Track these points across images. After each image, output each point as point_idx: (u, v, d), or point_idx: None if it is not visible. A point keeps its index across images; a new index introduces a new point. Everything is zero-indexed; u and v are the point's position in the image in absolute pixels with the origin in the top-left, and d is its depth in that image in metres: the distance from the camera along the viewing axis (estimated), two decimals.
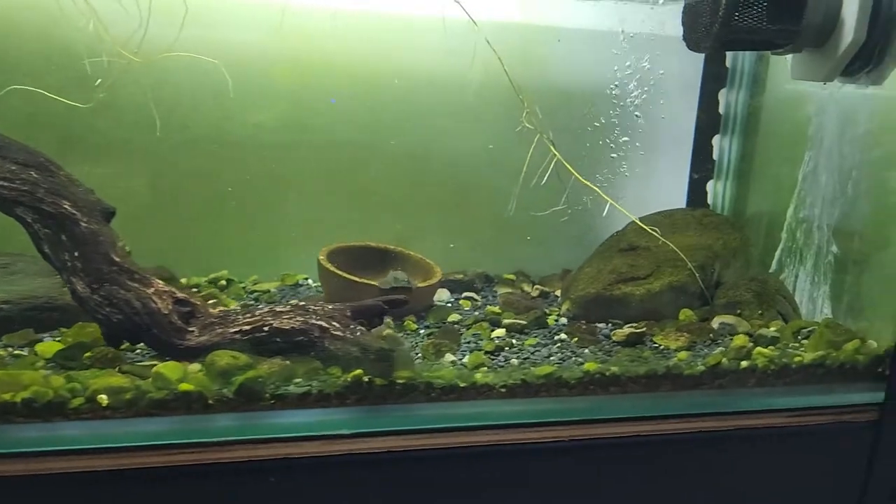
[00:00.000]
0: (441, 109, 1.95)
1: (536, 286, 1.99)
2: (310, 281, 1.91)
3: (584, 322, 1.64)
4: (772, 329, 1.54)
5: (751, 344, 1.39)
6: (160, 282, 1.21)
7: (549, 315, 1.68)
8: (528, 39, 2.00)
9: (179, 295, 1.21)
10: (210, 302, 1.68)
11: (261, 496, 1.10)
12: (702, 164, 2.08)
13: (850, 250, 1.60)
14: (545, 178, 1.79)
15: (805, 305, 1.71)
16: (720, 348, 1.43)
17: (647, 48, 1.98)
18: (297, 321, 1.21)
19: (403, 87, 1.87)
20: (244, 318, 1.22)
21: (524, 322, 1.54)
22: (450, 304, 1.75)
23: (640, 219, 1.98)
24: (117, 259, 1.17)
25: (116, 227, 1.71)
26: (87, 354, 1.19)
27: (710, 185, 2.10)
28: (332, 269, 1.57)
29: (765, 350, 1.37)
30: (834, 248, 1.63)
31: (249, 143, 1.85)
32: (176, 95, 1.68)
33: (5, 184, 1.13)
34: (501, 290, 1.94)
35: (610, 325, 1.65)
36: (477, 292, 1.88)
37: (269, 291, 1.77)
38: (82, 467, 1.01)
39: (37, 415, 1.03)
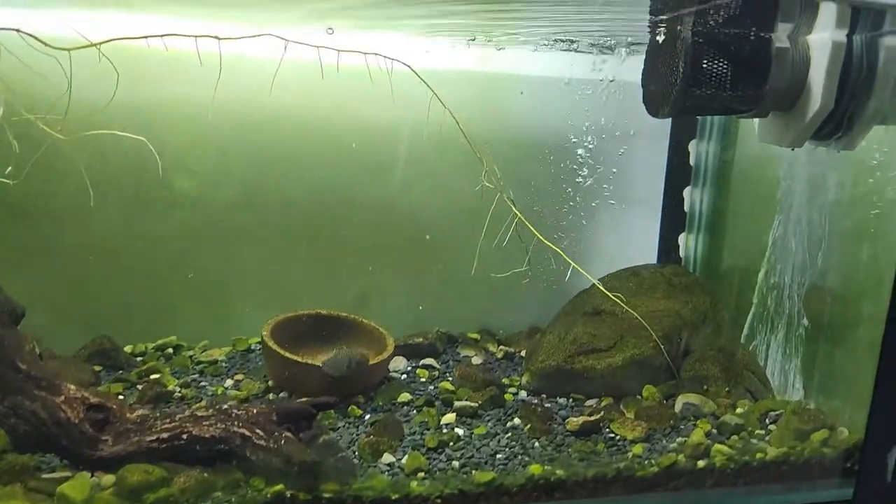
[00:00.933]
0: (401, 164, 1.88)
1: (501, 346, 1.92)
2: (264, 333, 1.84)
3: (542, 399, 1.57)
4: (737, 412, 1.46)
5: (709, 442, 1.31)
6: (72, 387, 1.13)
7: (508, 390, 1.60)
8: (492, 87, 1.93)
9: (93, 400, 1.13)
10: (152, 377, 1.62)
11: None
12: (672, 217, 2.00)
13: (821, 325, 1.51)
14: (506, 239, 1.72)
15: (777, 377, 1.63)
16: (677, 440, 1.35)
17: (616, 96, 1.91)
18: (218, 428, 1.13)
19: (363, 141, 1.80)
20: (162, 425, 1.14)
21: (477, 404, 1.46)
22: (404, 377, 1.67)
23: (609, 275, 1.91)
24: (23, 366, 1.09)
25: (62, 293, 1.68)
26: None
27: (681, 238, 2.02)
28: (274, 347, 1.49)
29: (724, 447, 1.29)
30: (805, 321, 1.55)
31: (201, 203, 1.78)
32: (122, 157, 1.61)
33: None
34: (464, 353, 1.86)
35: (571, 400, 1.58)
36: (437, 356, 1.81)
37: (216, 362, 1.69)
38: None
39: None
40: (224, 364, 1.70)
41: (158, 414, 1.16)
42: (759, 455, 1.29)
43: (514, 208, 1.71)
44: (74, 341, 1.71)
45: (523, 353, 1.86)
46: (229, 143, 1.73)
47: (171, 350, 1.77)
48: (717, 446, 1.29)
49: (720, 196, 1.93)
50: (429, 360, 1.75)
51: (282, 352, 1.48)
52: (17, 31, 1.22)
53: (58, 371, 1.52)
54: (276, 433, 1.14)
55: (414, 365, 1.73)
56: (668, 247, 2.01)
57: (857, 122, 1.39)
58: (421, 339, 1.81)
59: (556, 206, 1.94)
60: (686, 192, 2.00)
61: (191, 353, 1.76)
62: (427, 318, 1.92)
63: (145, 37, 1.31)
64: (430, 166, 1.85)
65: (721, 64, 1.39)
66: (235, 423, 1.14)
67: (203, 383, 1.58)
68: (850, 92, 1.36)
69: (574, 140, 1.93)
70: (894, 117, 1.36)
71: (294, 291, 1.86)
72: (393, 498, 1.11)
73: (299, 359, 1.48)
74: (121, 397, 1.46)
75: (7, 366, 1.09)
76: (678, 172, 1.98)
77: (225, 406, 1.17)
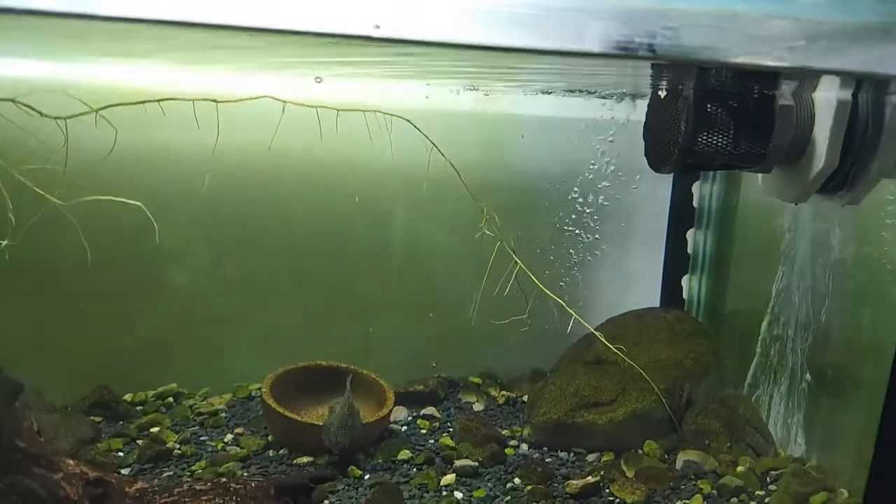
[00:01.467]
0: (403, 206, 1.89)
1: (503, 391, 1.93)
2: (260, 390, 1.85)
3: (543, 454, 1.58)
4: (738, 471, 1.46)
5: None
6: (71, 463, 1.15)
7: (509, 443, 1.61)
8: (494, 130, 1.93)
9: (91, 476, 1.15)
10: (152, 431, 1.63)
11: None
12: (676, 258, 2.00)
13: (823, 381, 1.51)
14: (507, 287, 1.73)
15: (779, 430, 1.63)
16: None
17: (620, 135, 1.92)
18: (217, 502, 1.14)
19: (362, 188, 1.80)
20: (161, 500, 1.15)
21: (477, 463, 1.47)
22: (405, 428, 1.68)
23: (613, 319, 1.92)
24: (22, 444, 1.11)
25: (63, 341, 1.70)
26: None
27: (685, 280, 2.02)
28: (273, 405, 1.50)
29: None
30: (808, 377, 1.55)
31: (200, 252, 1.80)
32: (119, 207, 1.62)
33: None
34: (465, 398, 1.87)
35: (572, 454, 1.58)
36: (438, 403, 1.82)
37: (216, 413, 1.70)
38: None
39: None
40: (224, 415, 1.71)
41: (157, 488, 1.18)
42: None
43: (514, 256, 1.72)
44: (75, 389, 1.74)
45: (525, 398, 1.87)
46: (226, 190, 1.74)
47: (171, 399, 1.78)
48: None
49: (724, 239, 1.93)
50: (430, 410, 1.76)
51: (281, 410, 1.49)
52: (13, 100, 1.23)
53: (58, 429, 1.56)
54: None
55: (414, 415, 1.74)
56: (671, 289, 2.01)
57: (862, 178, 1.38)
58: (422, 387, 1.82)
59: (559, 247, 1.96)
60: (689, 234, 2.00)
61: (191, 401, 1.77)
62: (430, 357, 1.93)
63: (143, 102, 1.32)
64: (430, 212, 1.86)
65: (723, 122, 1.39)
66: (234, 498, 1.15)
67: (203, 437, 1.59)
68: (856, 149, 1.36)
69: (577, 181, 1.94)
70: None
71: (294, 337, 1.87)
72: None
73: (298, 418, 1.50)
74: (121, 467, 1.46)
75: (7, 446, 1.10)
76: (682, 213, 1.98)
77: (223, 479, 1.18)
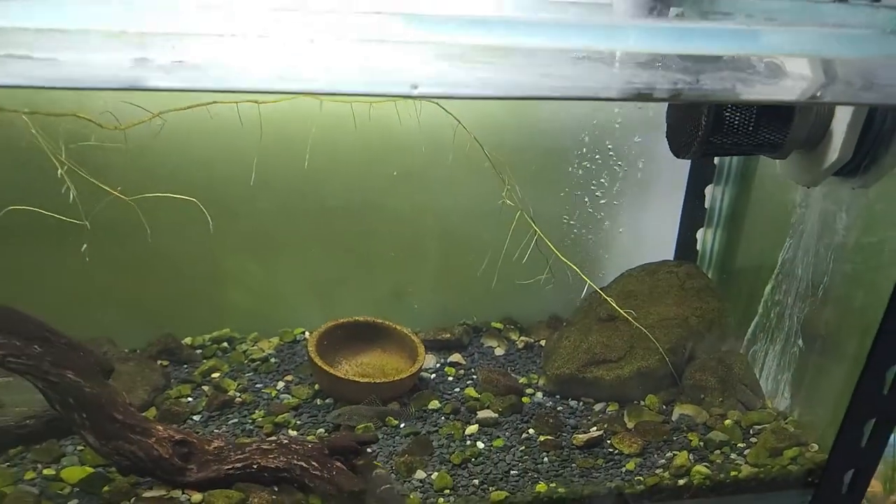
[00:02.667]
0: (432, 175, 2.02)
1: (522, 336, 2.17)
2: (306, 334, 2.12)
3: (555, 402, 1.84)
4: (726, 424, 1.71)
5: (690, 463, 1.57)
6: (160, 428, 1.43)
7: (526, 391, 1.87)
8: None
9: (178, 437, 1.43)
10: (213, 377, 1.92)
11: None
12: (692, 213, 2.14)
13: (812, 349, 1.71)
14: (527, 254, 1.91)
15: (770, 383, 1.86)
16: (666, 456, 1.62)
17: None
18: (281, 461, 1.43)
19: (398, 160, 1.94)
20: (236, 456, 1.44)
21: (497, 413, 1.75)
22: (433, 376, 1.94)
23: (628, 272, 2.10)
24: (119, 417, 1.38)
25: (129, 293, 1.95)
26: (105, 489, 1.45)
27: (699, 233, 2.16)
28: (319, 363, 1.76)
29: (702, 468, 1.56)
30: (800, 342, 1.75)
31: (248, 210, 1.98)
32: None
33: (13, 359, 1.32)
34: (487, 343, 2.12)
35: (581, 403, 1.85)
36: (464, 349, 2.07)
37: (267, 359, 1.98)
38: None
39: None
40: (273, 360, 1.99)
41: (231, 446, 1.46)
42: (732, 473, 1.56)
43: (533, 225, 1.88)
44: (141, 335, 2.02)
45: (542, 342, 2.12)
46: (274, 156, 1.88)
47: (225, 343, 2.06)
48: (697, 467, 1.56)
49: (740, 200, 2.04)
50: (455, 357, 2.02)
51: (327, 368, 1.75)
52: (75, 115, 1.38)
53: (134, 378, 1.85)
54: (329, 464, 1.43)
55: (442, 362, 2.00)
56: (686, 241, 2.16)
57: (874, 168, 1.49)
58: (448, 335, 2.06)
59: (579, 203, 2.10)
60: (708, 190, 2.11)
61: (244, 346, 2.05)
62: (456, 311, 2.16)
63: (190, 107, 1.45)
64: (457, 175, 1.99)
65: (743, 115, 1.48)
66: (294, 456, 1.44)
67: (258, 385, 1.88)
68: (871, 141, 1.46)
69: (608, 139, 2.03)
70: None
71: (331, 288, 2.10)
72: None
73: (342, 375, 1.76)
74: (192, 414, 1.75)
75: (106, 418, 1.38)
76: (702, 169, 2.08)
77: (285, 441, 1.46)
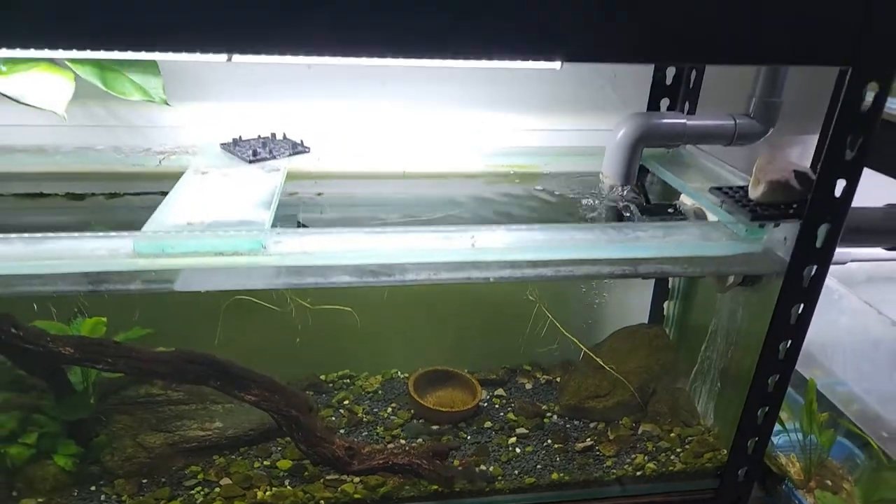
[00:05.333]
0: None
1: (544, 375, 3.37)
2: (399, 373, 3.34)
3: (565, 423, 3.04)
4: (672, 436, 2.90)
5: (645, 460, 2.77)
6: (337, 440, 2.66)
7: (546, 415, 3.08)
8: None
9: (346, 445, 2.67)
10: (345, 404, 3.15)
11: None
12: (660, 292, 3.32)
13: (725, 389, 2.89)
14: (544, 327, 3.11)
15: (702, 409, 3.04)
16: (631, 457, 2.82)
17: None
18: (405, 459, 2.66)
19: None
20: (380, 456, 2.67)
21: (528, 430, 2.96)
22: (485, 404, 3.16)
23: (616, 332, 3.29)
24: (318, 434, 2.62)
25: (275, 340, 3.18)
26: (305, 473, 2.69)
27: (665, 305, 3.34)
28: (416, 398, 2.99)
29: (652, 465, 2.75)
30: (718, 384, 2.93)
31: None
32: None
33: (263, 402, 2.56)
34: (520, 380, 3.33)
35: (582, 423, 3.05)
36: (504, 386, 3.28)
37: (377, 391, 3.22)
38: None
39: None
40: (381, 391, 3.22)
41: (374, 451, 2.70)
42: (670, 468, 2.75)
43: (549, 315, 3.07)
44: (289, 375, 3.26)
45: (558, 380, 3.32)
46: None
47: (347, 380, 3.30)
48: (649, 464, 2.76)
49: (691, 284, 3.21)
50: (499, 391, 3.23)
51: (421, 401, 2.98)
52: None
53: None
54: (433, 462, 2.66)
55: (491, 395, 3.22)
56: (656, 310, 3.35)
57: (758, 283, 2.66)
58: (494, 376, 3.28)
59: (587, 288, 3.29)
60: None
61: (360, 381, 3.29)
62: (499, 359, 3.37)
63: None
64: None
65: None
66: (412, 457, 2.67)
67: (375, 409, 3.11)
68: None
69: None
70: None
71: (415, 340, 3.32)
72: (486, 490, 2.64)
73: (431, 406, 2.99)
74: (339, 429, 3.00)
75: (311, 435, 2.62)
76: None
77: (405, 447, 2.69)
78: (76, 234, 1.92)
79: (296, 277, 2.00)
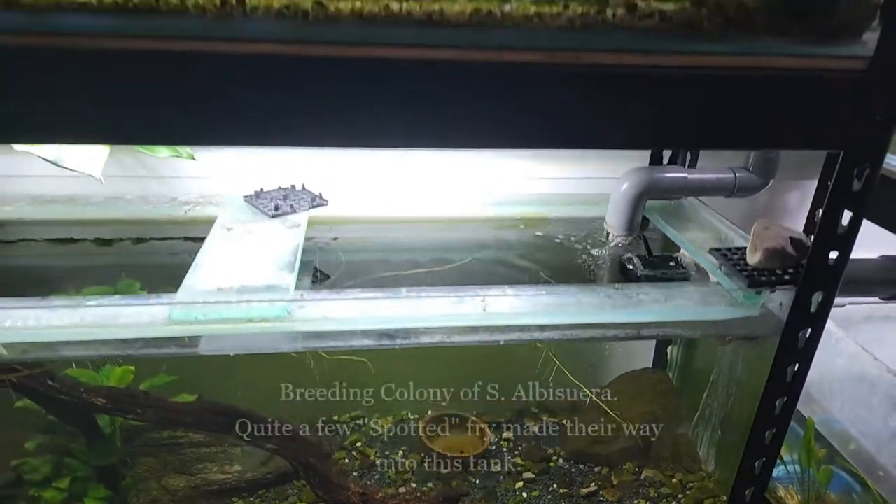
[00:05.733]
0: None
1: (551, 418, 3.50)
2: (409, 415, 3.48)
3: (570, 467, 3.16)
4: (673, 482, 3.02)
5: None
6: (352, 485, 2.80)
7: (552, 459, 3.20)
8: None
9: (361, 491, 2.80)
10: (358, 446, 3.28)
11: None
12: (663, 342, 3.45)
13: (725, 436, 3.01)
14: (552, 373, 3.24)
15: (704, 455, 3.16)
16: (634, 502, 2.94)
17: None
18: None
19: None
20: (393, 502, 2.80)
21: (535, 474, 3.08)
22: (494, 447, 3.29)
23: (620, 377, 3.42)
24: (334, 481, 2.76)
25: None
26: None
27: (669, 350, 3.47)
28: (427, 443, 3.12)
29: None
30: (719, 433, 3.05)
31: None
32: None
33: (281, 451, 2.70)
34: (527, 423, 3.46)
35: (586, 466, 3.17)
36: (511, 427, 3.41)
37: (389, 432, 3.35)
38: None
39: None
40: (391, 433, 3.36)
41: (387, 495, 2.83)
42: None
43: (559, 365, 3.20)
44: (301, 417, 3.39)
45: (565, 422, 3.44)
46: None
47: (359, 421, 3.44)
48: None
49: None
50: (507, 434, 3.36)
51: (431, 446, 3.11)
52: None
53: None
54: None
55: (499, 438, 3.35)
56: (660, 355, 3.48)
57: (755, 342, 2.79)
58: (502, 419, 3.41)
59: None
60: None
61: (371, 423, 3.42)
62: (507, 403, 3.50)
63: None
64: None
65: None
66: (424, 500, 2.80)
67: (387, 452, 3.24)
68: None
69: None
70: None
71: (425, 385, 3.45)
72: None
73: (441, 450, 3.12)
74: (352, 471, 3.13)
75: (328, 481, 2.75)
76: None
77: (416, 493, 2.82)
78: (117, 298, 2.08)
79: (317, 341, 2.15)
